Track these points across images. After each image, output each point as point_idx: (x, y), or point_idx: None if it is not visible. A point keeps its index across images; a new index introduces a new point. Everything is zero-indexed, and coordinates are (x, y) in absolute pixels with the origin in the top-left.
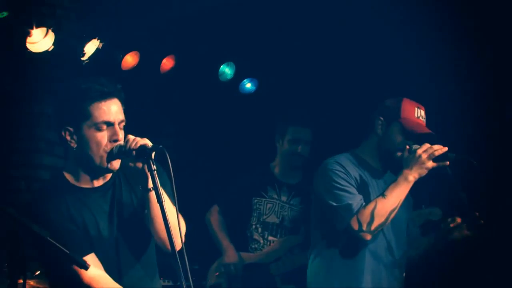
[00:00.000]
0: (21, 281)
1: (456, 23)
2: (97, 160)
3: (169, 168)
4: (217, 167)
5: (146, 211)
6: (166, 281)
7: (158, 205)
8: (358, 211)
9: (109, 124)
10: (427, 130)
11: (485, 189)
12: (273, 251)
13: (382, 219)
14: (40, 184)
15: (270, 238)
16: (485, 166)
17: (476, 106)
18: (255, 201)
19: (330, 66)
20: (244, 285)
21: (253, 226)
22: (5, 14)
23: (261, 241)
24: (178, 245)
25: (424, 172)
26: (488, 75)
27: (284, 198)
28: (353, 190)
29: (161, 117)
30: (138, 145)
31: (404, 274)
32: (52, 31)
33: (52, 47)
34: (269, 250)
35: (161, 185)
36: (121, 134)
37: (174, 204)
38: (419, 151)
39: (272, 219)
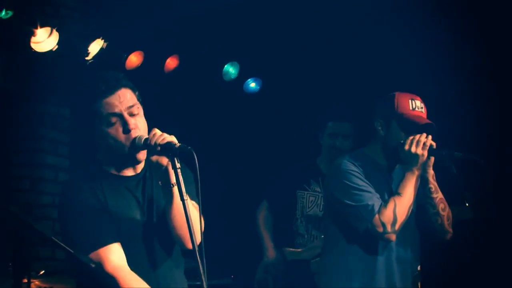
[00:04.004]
0: (25, 280)
1: (456, 23)
2: (119, 152)
3: (196, 169)
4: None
5: (167, 205)
6: None
7: (179, 201)
8: (379, 212)
9: (117, 115)
10: (425, 121)
11: (491, 188)
12: (314, 248)
13: (404, 217)
14: (76, 169)
15: (313, 232)
16: (492, 166)
17: (482, 104)
18: (299, 194)
19: (333, 65)
20: (287, 281)
21: (298, 220)
22: (10, 13)
23: (306, 236)
24: (197, 241)
25: (424, 159)
26: (489, 74)
27: None
28: (370, 189)
29: (164, 117)
30: (165, 141)
31: (418, 268)
32: (56, 30)
33: (56, 46)
34: (311, 247)
35: (184, 182)
36: (132, 121)
37: (198, 204)
38: (407, 147)
39: (315, 212)
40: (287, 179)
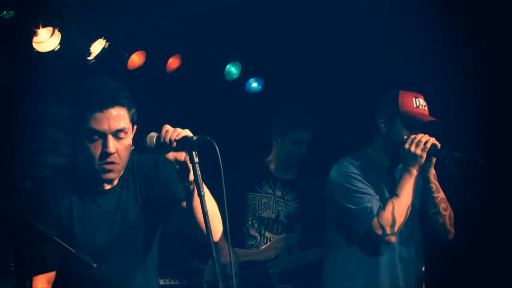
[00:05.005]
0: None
1: (458, 22)
2: (90, 169)
3: (218, 160)
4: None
5: (187, 201)
6: (167, 280)
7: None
8: (378, 214)
9: (101, 134)
10: (429, 118)
11: (492, 188)
12: (270, 249)
13: (403, 218)
14: (52, 171)
15: (267, 234)
16: (492, 166)
17: (482, 104)
18: (250, 196)
19: (335, 65)
20: (241, 283)
21: (249, 222)
22: (11, 13)
23: (258, 237)
24: (219, 233)
25: (422, 161)
26: (490, 74)
27: (278, 193)
28: (370, 191)
29: (165, 117)
30: (181, 136)
31: (422, 269)
32: (59, 30)
33: (59, 46)
34: (266, 248)
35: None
36: (113, 144)
37: (222, 193)
38: (407, 146)
39: (268, 214)
40: (236, 182)
